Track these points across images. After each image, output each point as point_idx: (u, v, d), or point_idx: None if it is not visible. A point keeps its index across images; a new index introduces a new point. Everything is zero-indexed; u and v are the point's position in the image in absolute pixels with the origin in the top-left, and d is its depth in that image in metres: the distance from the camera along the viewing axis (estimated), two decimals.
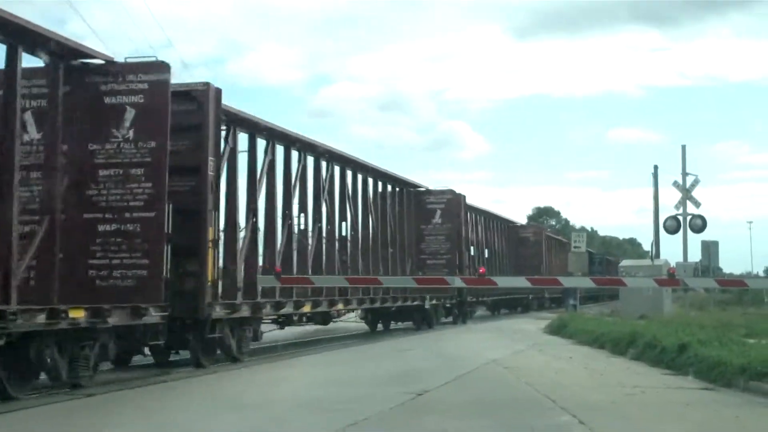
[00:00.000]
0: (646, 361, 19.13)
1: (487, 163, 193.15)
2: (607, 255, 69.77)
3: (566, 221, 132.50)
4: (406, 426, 11.21)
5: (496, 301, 50.48)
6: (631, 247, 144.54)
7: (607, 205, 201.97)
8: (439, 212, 36.83)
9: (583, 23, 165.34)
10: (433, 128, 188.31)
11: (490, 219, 49.04)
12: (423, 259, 36.20)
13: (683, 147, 40.42)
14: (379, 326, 33.80)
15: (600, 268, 59.17)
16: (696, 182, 39.23)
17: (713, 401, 13.42)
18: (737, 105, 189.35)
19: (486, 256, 45.84)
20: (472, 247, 42.37)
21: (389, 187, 33.18)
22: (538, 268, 54.16)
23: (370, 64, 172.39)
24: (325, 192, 26.12)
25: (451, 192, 37.64)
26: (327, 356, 23.01)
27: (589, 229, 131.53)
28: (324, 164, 26.17)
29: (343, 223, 27.89)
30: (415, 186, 36.42)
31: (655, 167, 48.23)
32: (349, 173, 28.62)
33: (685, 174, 38.93)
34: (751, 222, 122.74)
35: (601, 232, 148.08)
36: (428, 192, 37.11)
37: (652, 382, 15.71)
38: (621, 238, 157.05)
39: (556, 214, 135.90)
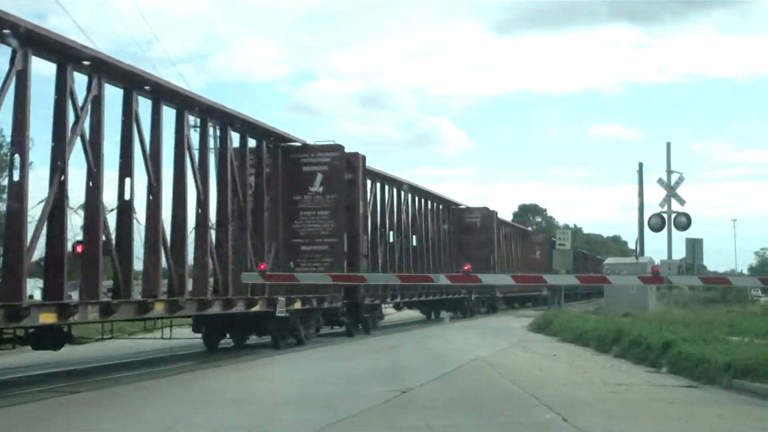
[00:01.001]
0: (631, 359, 19.19)
1: (469, 159, 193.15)
2: (581, 249, 68.07)
3: (551, 219, 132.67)
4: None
5: (426, 303, 41.10)
6: (615, 244, 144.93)
7: (591, 203, 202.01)
8: (320, 177, 26.46)
9: (563, 20, 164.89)
10: (415, 124, 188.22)
11: (420, 196, 39.03)
12: (295, 243, 26.08)
13: (668, 144, 40.52)
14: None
15: (574, 263, 58.30)
16: (681, 180, 39.34)
17: (696, 399, 13.47)
18: (718, 102, 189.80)
19: (413, 243, 37.00)
20: (391, 233, 34.00)
21: (253, 142, 24.40)
22: (487, 259, 45.92)
23: (353, 60, 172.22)
24: None
25: (339, 148, 27.16)
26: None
27: (573, 227, 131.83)
28: None
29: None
30: (286, 139, 26.22)
31: (640, 165, 48.30)
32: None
33: (669, 171, 39.04)
34: (735, 220, 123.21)
35: (586, 230, 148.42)
36: (304, 148, 26.87)
37: (636, 380, 15.75)
38: (605, 235, 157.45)
39: (541, 212, 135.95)
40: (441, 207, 42.63)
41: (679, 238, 37.98)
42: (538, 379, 15.89)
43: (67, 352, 18.29)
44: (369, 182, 31.11)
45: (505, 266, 50.47)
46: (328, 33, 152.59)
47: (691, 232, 38.70)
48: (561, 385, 15.01)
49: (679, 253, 37.74)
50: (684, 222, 38.16)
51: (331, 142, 27.38)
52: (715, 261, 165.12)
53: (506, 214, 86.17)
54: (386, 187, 33.72)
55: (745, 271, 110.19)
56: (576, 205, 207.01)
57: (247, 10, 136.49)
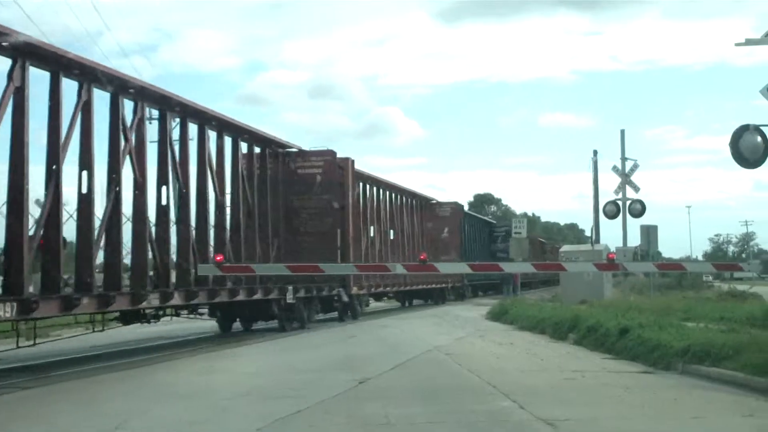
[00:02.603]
0: (587, 346, 19.25)
1: (422, 149, 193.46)
2: (538, 237, 67.08)
3: (507, 208, 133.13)
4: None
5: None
6: (572, 232, 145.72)
7: (547, 191, 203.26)
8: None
9: (509, 8, 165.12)
10: (366, 114, 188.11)
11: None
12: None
13: (622, 132, 40.75)
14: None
15: (503, 245, 57.04)
16: (635, 167, 39.56)
17: (652, 384, 13.54)
18: (670, 89, 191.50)
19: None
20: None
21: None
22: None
23: (304, 49, 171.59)
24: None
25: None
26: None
27: (531, 216, 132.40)
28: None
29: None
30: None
31: (595, 152, 48.86)
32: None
33: (624, 159, 39.24)
34: (689, 206, 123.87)
35: (543, 218, 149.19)
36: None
37: (593, 366, 15.80)
38: (562, 223, 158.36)
39: (496, 201, 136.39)
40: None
41: (635, 225, 38.20)
42: (495, 367, 15.89)
43: (22, 348, 18.02)
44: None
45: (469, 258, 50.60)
46: (280, 23, 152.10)
47: (647, 219, 38.92)
48: (518, 373, 15.04)
49: (635, 240, 37.96)
50: (639, 209, 38.38)
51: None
52: (670, 247, 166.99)
53: (462, 203, 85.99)
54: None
55: (700, 257, 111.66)
56: (532, 194, 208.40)
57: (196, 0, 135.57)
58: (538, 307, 30.40)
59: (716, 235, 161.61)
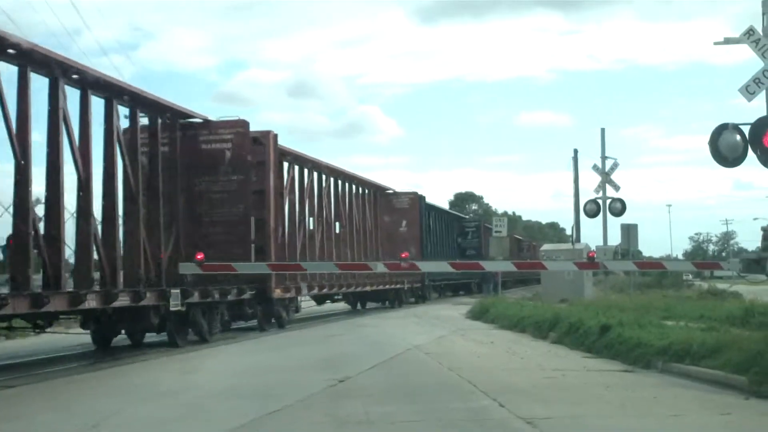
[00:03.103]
0: (568, 344, 19.29)
1: (402, 148, 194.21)
2: (486, 223, 64.29)
3: (488, 206, 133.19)
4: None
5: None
6: (552, 231, 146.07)
7: (528, 190, 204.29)
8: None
9: (485, 7, 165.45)
10: (345, 113, 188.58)
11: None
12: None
13: (602, 130, 40.95)
14: None
15: (475, 241, 55.84)
16: (615, 166, 39.73)
17: (632, 383, 13.55)
18: (648, 88, 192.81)
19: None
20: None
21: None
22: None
23: (283, 48, 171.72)
24: None
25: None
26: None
27: (512, 214, 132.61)
28: None
29: None
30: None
31: (575, 151, 48.97)
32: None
33: (604, 158, 39.39)
34: (670, 205, 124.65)
35: (524, 217, 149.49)
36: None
37: (573, 365, 15.82)
38: (543, 222, 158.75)
39: (478, 199, 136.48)
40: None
41: (615, 223, 38.35)
42: (475, 366, 15.89)
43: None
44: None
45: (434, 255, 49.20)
46: (259, 22, 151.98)
47: (627, 218, 39.14)
48: (498, 372, 15.05)
49: (615, 238, 38.08)
50: (619, 208, 38.54)
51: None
52: (651, 246, 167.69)
53: (442, 202, 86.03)
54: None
55: (680, 256, 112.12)
56: (512, 193, 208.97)
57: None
58: (519, 306, 30.42)
59: (696, 234, 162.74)
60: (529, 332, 23.02)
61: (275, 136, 26.63)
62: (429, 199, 49.76)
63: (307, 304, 33.40)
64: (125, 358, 19.09)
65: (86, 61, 17.66)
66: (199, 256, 18.03)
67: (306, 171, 31.18)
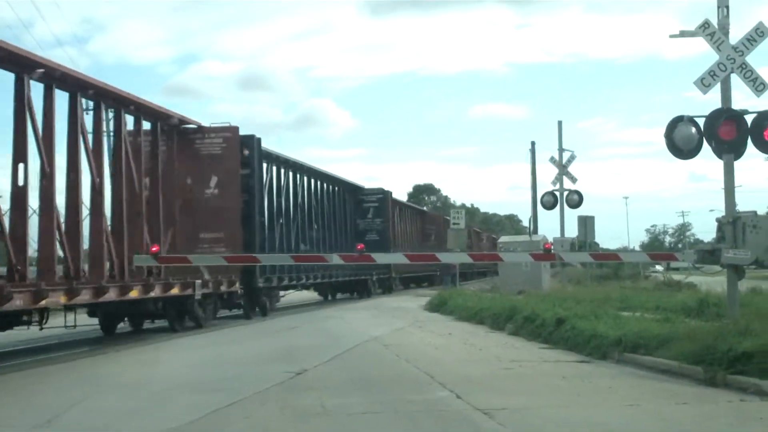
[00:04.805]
0: (524, 336, 19.37)
1: (357, 140, 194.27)
2: (475, 228, 60.44)
3: (446, 198, 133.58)
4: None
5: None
6: (510, 223, 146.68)
7: (483, 182, 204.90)
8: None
9: (434, 1, 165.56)
10: (298, 106, 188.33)
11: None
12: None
13: (559, 123, 41.00)
14: None
15: (378, 221, 45.75)
16: (572, 158, 39.82)
17: (588, 373, 13.62)
18: (602, 82, 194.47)
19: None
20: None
21: None
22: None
23: (235, 41, 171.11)
24: None
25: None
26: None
27: (471, 206, 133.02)
28: None
29: None
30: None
31: (533, 144, 49.04)
32: None
33: (561, 150, 39.50)
34: (627, 197, 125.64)
35: (482, 209, 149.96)
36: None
37: (530, 356, 15.89)
38: (501, 214, 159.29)
39: (436, 191, 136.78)
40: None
41: (573, 216, 38.48)
42: (432, 357, 15.91)
43: None
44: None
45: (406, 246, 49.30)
46: (212, 14, 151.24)
47: (584, 210, 39.29)
48: (455, 363, 15.08)
49: (573, 230, 38.27)
50: (576, 200, 38.64)
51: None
52: (608, 238, 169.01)
53: (401, 194, 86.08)
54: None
55: (637, 248, 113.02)
56: (469, 185, 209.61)
57: None
58: (477, 298, 30.51)
59: (653, 226, 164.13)
60: (487, 324, 23.09)
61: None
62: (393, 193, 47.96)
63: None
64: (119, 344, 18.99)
65: (41, 53, 17.54)
66: (154, 249, 18.34)
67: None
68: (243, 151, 27.57)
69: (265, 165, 30.08)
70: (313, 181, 36.87)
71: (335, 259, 20.85)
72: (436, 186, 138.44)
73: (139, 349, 19.53)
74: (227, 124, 27.21)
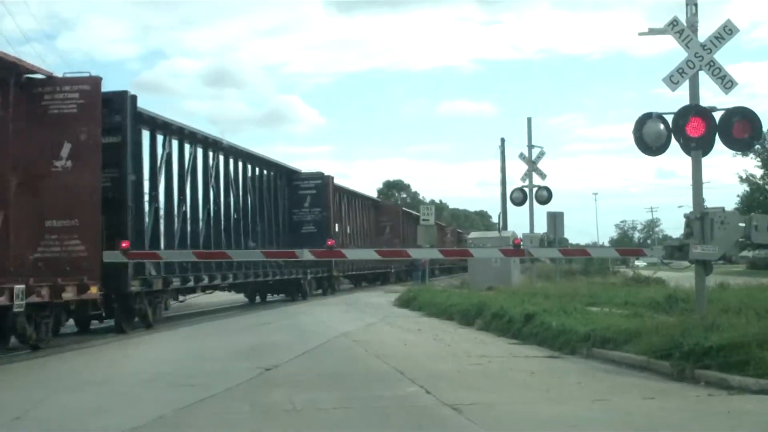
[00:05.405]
0: (494, 331, 19.43)
1: (325, 137, 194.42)
2: (335, 181, 56.09)
3: (416, 194, 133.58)
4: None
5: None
6: (480, 219, 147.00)
7: (452, 178, 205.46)
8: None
9: None
10: (266, 103, 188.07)
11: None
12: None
13: (529, 120, 40.91)
14: None
15: (316, 211, 38.61)
16: (541, 154, 39.81)
17: (557, 369, 13.69)
18: (570, 78, 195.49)
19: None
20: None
21: None
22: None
23: (203, 38, 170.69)
24: None
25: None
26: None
27: (440, 203, 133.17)
28: None
29: None
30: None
31: (502, 140, 49.13)
32: None
33: (530, 146, 39.49)
34: (596, 193, 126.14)
35: (452, 205, 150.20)
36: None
37: (499, 352, 15.93)
38: (471, 210, 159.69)
39: (406, 188, 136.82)
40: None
41: (542, 212, 38.53)
42: (402, 353, 15.92)
43: None
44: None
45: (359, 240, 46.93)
46: (179, 11, 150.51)
47: (554, 206, 39.26)
48: (425, 359, 15.09)
49: (542, 226, 38.33)
50: (545, 196, 38.65)
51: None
52: (578, 234, 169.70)
53: (370, 190, 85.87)
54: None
55: (607, 243, 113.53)
56: (438, 182, 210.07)
57: None
58: (446, 294, 30.57)
59: (622, 222, 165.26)
60: (456, 320, 23.15)
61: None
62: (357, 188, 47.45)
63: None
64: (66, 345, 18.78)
65: (9, 49, 16.72)
66: (124, 244, 17.51)
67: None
68: (114, 115, 21.16)
69: (161, 138, 24.51)
70: (233, 160, 30.90)
71: (306, 254, 20.46)
72: (406, 182, 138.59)
73: (108, 346, 19.34)
74: (87, 74, 19.51)
